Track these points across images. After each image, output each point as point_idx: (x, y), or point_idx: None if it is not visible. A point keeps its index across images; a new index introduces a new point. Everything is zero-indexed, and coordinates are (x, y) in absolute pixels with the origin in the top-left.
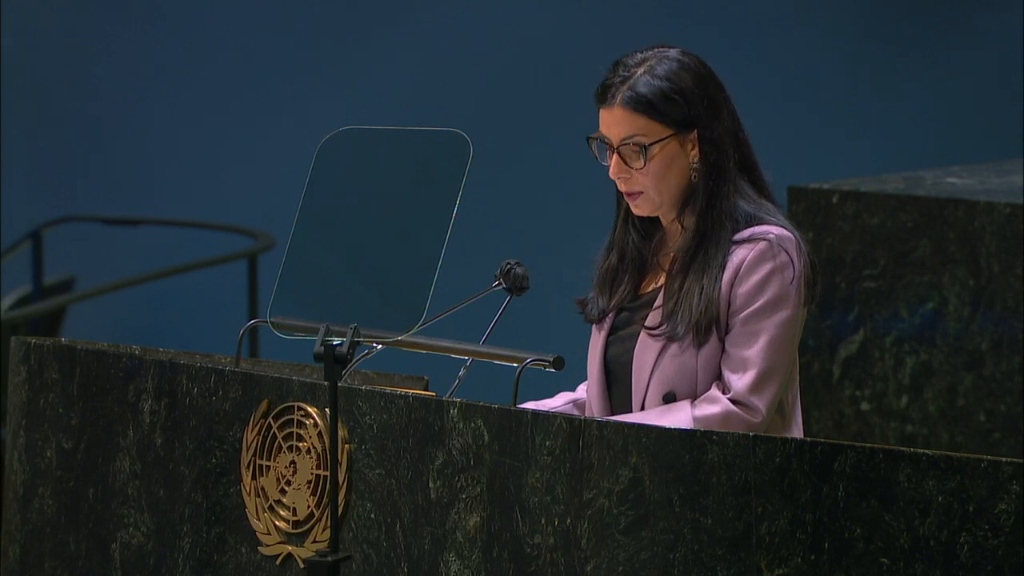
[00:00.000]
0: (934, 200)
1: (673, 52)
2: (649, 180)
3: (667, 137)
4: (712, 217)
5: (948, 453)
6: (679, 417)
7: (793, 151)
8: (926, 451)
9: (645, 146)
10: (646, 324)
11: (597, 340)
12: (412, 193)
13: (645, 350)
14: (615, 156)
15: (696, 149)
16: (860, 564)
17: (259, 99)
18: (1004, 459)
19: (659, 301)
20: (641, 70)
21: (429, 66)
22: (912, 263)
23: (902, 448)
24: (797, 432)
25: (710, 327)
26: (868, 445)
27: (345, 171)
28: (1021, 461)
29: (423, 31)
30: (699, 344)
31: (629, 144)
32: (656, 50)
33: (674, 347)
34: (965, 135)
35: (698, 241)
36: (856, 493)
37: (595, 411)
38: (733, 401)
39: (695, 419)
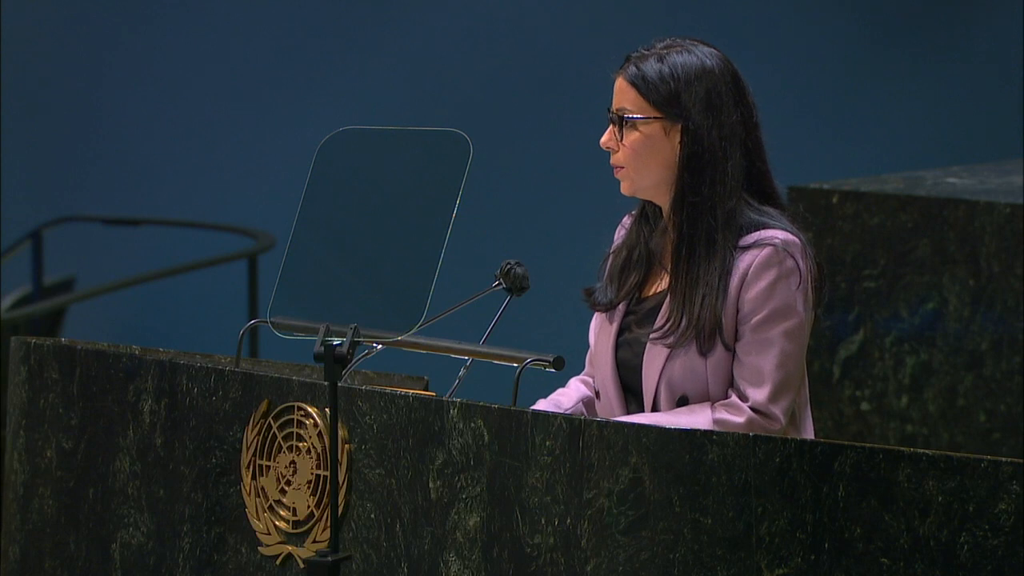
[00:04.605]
0: (934, 200)
1: (700, 48)
2: (628, 155)
3: (651, 117)
4: (689, 213)
5: (948, 453)
6: (699, 420)
7: (793, 151)
8: (926, 451)
9: (624, 117)
10: (651, 333)
11: (606, 342)
12: (412, 193)
13: (653, 356)
14: (610, 125)
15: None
16: (860, 564)
17: (259, 99)
18: (1004, 459)
19: (663, 307)
20: (658, 52)
21: (428, 66)
22: (912, 263)
23: (902, 448)
24: (807, 435)
25: (713, 334)
26: (868, 445)
27: (345, 171)
28: (1021, 461)
29: (422, 31)
30: (705, 350)
31: (618, 114)
32: (688, 41)
33: (680, 352)
34: (965, 135)
35: (679, 237)
36: (856, 493)
37: (616, 413)
38: (754, 410)
39: (715, 422)
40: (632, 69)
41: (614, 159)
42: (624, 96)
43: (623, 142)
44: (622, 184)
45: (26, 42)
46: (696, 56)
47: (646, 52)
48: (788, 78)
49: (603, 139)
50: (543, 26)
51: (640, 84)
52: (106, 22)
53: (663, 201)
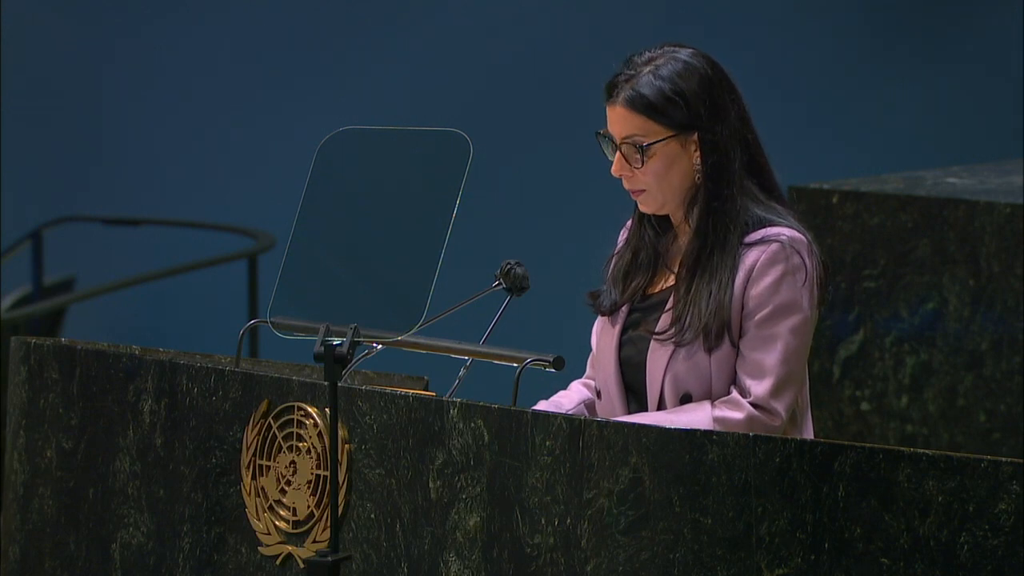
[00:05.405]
0: (934, 200)
1: (683, 53)
2: (650, 179)
3: (666, 138)
4: (713, 219)
5: (948, 453)
6: (698, 417)
7: (793, 151)
8: (926, 451)
9: (642, 146)
10: (656, 329)
11: (610, 340)
12: (412, 193)
13: (657, 354)
14: (617, 154)
15: (698, 151)
16: (860, 564)
17: (259, 99)
18: (1004, 459)
19: (669, 304)
20: (647, 69)
21: (429, 66)
22: (912, 263)
23: (902, 448)
24: (807, 435)
25: (721, 332)
26: (868, 445)
27: (345, 171)
28: (1021, 461)
29: (423, 31)
30: (710, 347)
31: (629, 143)
32: (667, 49)
33: (685, 350)
34: (965, 135)
35: (701, 243)
36: (856, 493)
37: (617, 412)
38: (754, 406)
39: (715, 419)
40: (630, 93)
41: (631, 184)
42: (630, 123)
43: (642, 169)
44: (646, 204)
45: (26, 42)
46: (683, 62)
47: (632, 72)
48: (788, 78)
49: (614, 169)
50: (544, 26)
51: (645, 107)
52: (107, 22)
53: (680, 210)
